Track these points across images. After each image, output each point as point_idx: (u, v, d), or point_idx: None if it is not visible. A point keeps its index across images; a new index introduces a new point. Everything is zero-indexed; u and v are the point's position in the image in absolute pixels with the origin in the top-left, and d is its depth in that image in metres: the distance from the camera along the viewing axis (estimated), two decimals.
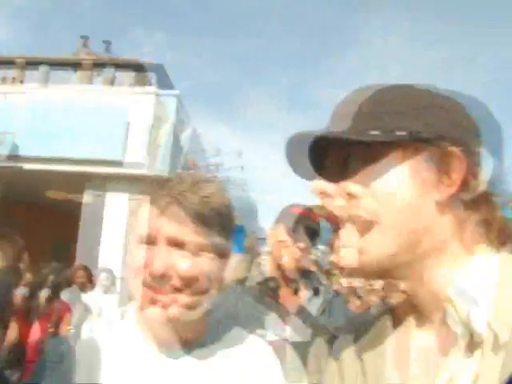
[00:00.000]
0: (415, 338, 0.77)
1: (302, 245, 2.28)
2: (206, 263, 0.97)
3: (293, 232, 2.29)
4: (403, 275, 0.77)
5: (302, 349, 2.12)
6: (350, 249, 0.75)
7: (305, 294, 2.38)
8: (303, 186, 0.82)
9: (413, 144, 0.73)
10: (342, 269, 0.77)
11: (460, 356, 0.68)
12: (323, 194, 0.77)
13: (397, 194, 0.73)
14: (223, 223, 1.01)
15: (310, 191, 0.79)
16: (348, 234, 0.76)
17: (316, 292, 2.39)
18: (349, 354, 0.85)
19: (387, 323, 0.82)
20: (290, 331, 2.20)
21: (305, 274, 2.43)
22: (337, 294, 2.55)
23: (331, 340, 2.01)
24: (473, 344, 0.67)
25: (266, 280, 2.32)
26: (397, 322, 0.82)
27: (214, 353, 1.04)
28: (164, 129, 10.98)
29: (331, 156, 0.80)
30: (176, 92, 11.99)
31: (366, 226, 0.74)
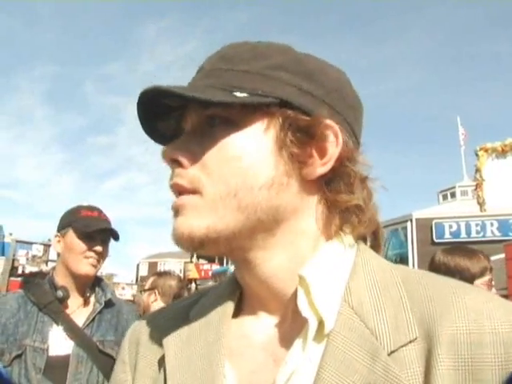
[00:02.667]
0: (259, 324, 0.70)
1: (99, 249, 2.18)
2: None
3: (88, 237, 2.18)
4: (251, 258, 0.68)
5: (86, 364, 1.99)
6: (181, 218, 0.67)
7: (95, 305, 2.19)
8: None
9: (282, 112, 0.66)
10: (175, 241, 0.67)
11: (304, 347, 0.62)
12: (174, 162, 0.68)
13: (254, 168, 0.65)
14: None
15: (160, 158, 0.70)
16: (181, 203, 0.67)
17: (108, 304, 2.23)
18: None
19: (228, 304, 0.73)
20: (74, 346, 2.02)
21: (95, 283, 2.28)
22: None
23: None
24: (320, 334, 0.62)
25: (53, 289, 2.14)
26: (242, 305, 0.74)
27: None
28: None
29: (191, 119, 0.70)
30: None
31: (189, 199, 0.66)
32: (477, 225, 17.56)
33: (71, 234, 2.20)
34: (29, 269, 28.93)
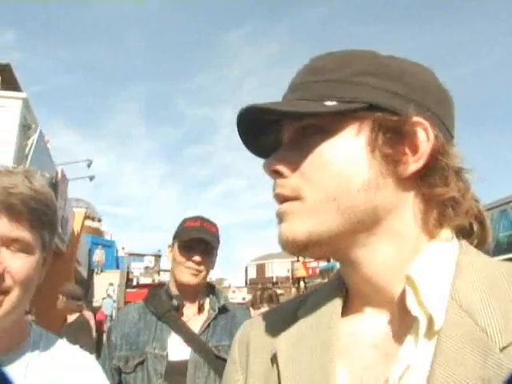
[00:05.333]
0: (367, 322, 0.71)
1: (197, 259, 2.23)
2: (37, 262, 1.01)
3: (187, 247, 2.24)
4: (355, 257, 0.70)
5: (203, 369, 2.07)
6: (285, 224, 0.71)
7: (209, 312, 2.27)
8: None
9: (371, 115, 0.68)
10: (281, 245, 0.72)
11: (416, 344, 0.63)
12: (275, 173, 0.72)
13: (350, 171, 0.67)
14: (53, 220, 1.08)
15: (262, 171, 0.74)
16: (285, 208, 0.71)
17: (222, 310, 2.29)
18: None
19: (336, 303, 0.74)
20: (192, 352, 2.10)
21: (209, 290, 2.37)
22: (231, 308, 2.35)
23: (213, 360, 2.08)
24: (430, 331, 0.63)
25: (169, 298, 2.25)
26: (349, 303, 0.75)
27: (31, 360, 1.03)
28: (7, 133, 10.02)
29: (287, 131, 0.74)
30: (22, 95, 10.90)
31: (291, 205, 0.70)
32: None
33: (176, 245, 2.30)
34: (143, 280, 30.26)
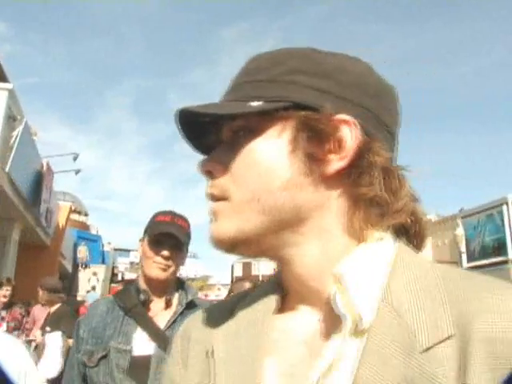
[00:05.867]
0: (300, 320, 0.71)
1: (166, 254, 2.20)
2: None
3: (156, 241, 2.22)
4: (285, 256, 0.71)
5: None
6: (215, 223, 0.72)
7: (177, 307, 2.25)
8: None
9: (295, 114, 0.68)
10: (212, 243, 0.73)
11: (342, 343, 0.63)
12: (208, 173, 0.73)
13: (271, 171, 0.68)
14: None
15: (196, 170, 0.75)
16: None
17: (190, 305, 2.25)
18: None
19: (272, 301, 0.75)
20: (156, 347, 2.08)
21: (178, 286, 2.35)
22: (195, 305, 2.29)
23: None
24: (358, 330, 0.63)
25: (138, 293, 2.23)
26: (285, 301, 0.76)
27: None
28: None
29: (224, 132, 0.74)
30: (8, 86, 10.86)
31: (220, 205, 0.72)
32: None
33: (146, 240, 2.28)
34: (128, 275, 30.23)
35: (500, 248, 20.26)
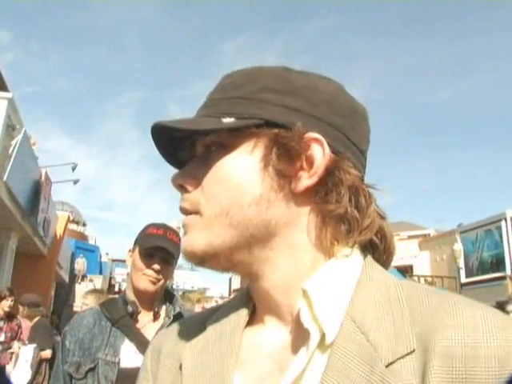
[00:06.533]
0: (268, 334, 0.73)
1: (157, 267, 2.20)
2: None
3: (147, 254, 2.22)
4: (254, 271, 0.72)
5: None
6: (186, 236, 0.73)
7: (164, 319, 2.25)
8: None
9: (266, 131, 0.69)
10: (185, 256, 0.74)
11: (307, 357, 0.63)
12: (180, 187, 0.74)
13: (242, 186, 0.69)
14: None
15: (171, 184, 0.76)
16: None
17: (178, 317, 2.22)
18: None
19: (242, 315, 0.77)
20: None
21: (166, 298, 2.35)
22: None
23: None
24: (323, 345, 0.64)
25: (125, 304, 2.22)
26: (254, 315, 0.77)
27: None
28: None
29: (198, 147, 0.75)
30: (8, 95, 10.90)
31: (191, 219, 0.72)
32: None
33: (136, 251, 2.27)
34: (125, 286, 30.04)
35: (498, 264, 20.24)
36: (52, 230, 17.16)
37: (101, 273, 27.38)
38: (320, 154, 0.67)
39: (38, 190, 13.32)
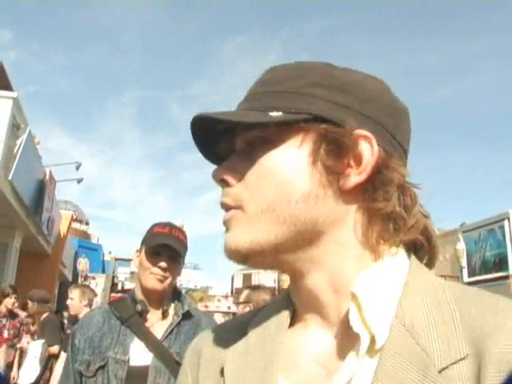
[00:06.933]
0: (313, 336, 0.71)
1: (163, 265, 2.22)
2: None
3: (153, 253, 2.24)
4: (299, 270, 0.70)
5: (164, 375, 2.09)
6: (229, 233, 0.71)
7: (173, 318, 2.27)
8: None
9: (315, 126, 0.67)
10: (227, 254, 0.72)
11: (357, 362, 0.62)
12: (222, 181, 0.72)
13: (290, 182, 0.67)
14: None
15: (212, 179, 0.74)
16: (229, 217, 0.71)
17: (186, 315, 2.28)
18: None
19: (284, 318, 0.75)
20: (153, 358, 2.11)
21: (175, 296, 2.36)
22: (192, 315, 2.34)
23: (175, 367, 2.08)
24: (372, 349, 0.62)
25: (134, 303, 2.24)
26: (297, 317, 0.75)
27: None
28: None
29: (239, 141, 0.74)
30: (13, 94, 10.91)
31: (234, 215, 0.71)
32: None
33: (143, 251, 2.29)
34: (128, 285, 30.12)
35: (501, 263, 20.20)
36: (56, 229, 17.21)
37: (103, 271, 27.42)
38: (369, 151, 0.66)
39: (42, 189, 13.35)
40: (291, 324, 0.75)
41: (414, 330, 0.61)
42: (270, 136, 0.69)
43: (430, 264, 0.73)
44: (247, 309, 3.64)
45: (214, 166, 0.76)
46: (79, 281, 23.03)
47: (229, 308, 33.48)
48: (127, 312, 2.23)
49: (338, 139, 0.67)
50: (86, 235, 28.88)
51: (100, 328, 2.19)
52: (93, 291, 6.26)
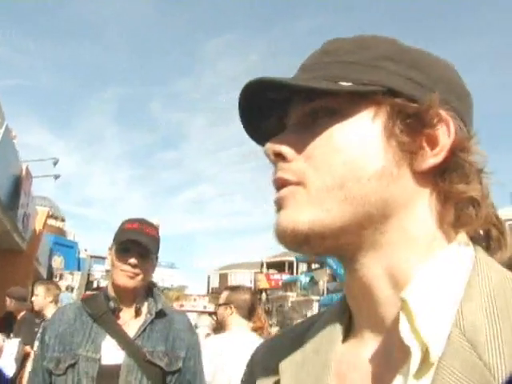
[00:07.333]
0: (366, 348, 0.65)
1: (133, 261, 2.19)
2: None
3: (123, 249, 2.21)
4: (358, 259, 0.64)
5: (136, 374, 2.07)
6: (285, 211, 0.64)
7: (146, 316, 2.24)
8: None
9: (390, 100, 0.63)
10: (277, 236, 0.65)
11: (408, 376, 0.55)
12: (278, 156, 0.66)
13: (361, 157, 0.62)
14: None
15: (264, 154, 0.67)
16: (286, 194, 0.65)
17: (160, 314, 2.26)
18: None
19: (336, 330, 0.70)
20: (125, 356, 2.10)
21: (148, 294, 2.34)
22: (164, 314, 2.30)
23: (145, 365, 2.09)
24: (426, 362, 0.55)
25: (107, 300, 2.22)
26: (352, 326, 0.70)
27: None
28: None
29: (295, 112, 0.68)
30: None
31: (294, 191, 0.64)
32: None
33: (114, 248, 2.28)
34: (103, 283, 29.86)
35: None
36: (31, 225, 17.01)
37: (79, 269, 27.13)
38: (446, 131, 0.63)
39: (18, 185, 13.19)
40: (348, 333, 0.70)
41: (476, 342, 0.54)
42: (337, 107, 0.65)
43: (502, 259, 0.66)
44: (228, 310, 3.63)
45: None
46: (54, 279, 22.82)
47: (205, 307, 33.39)
48: (100, 309, 2.20)
49: (415, 116, 0.63)
50: (61, 232, 28.55)
51: (71, 324, 2.17)
52: (58, 287, 6.31)
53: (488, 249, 0.66)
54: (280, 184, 0.66)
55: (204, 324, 10.04)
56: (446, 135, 0.62)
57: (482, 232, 0.67)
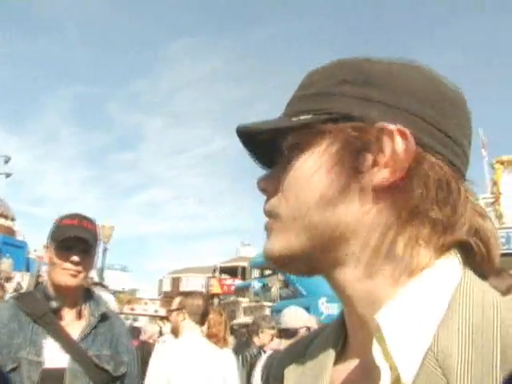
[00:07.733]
0: (353, 363, 0.67)
1: (76, 259, 2.09)
2: None
3: (64, 247, 2.10)
4: (335, 279, 0.67)
5: (82, 379, 1.99)
6: (267, 240, 0.71)
7: (90, 319, 2.16)
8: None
9: (338, 126, 0.64)
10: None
11: None
12: (263, 191, 0.73)
13: (316, 187, 0.65)
14: None
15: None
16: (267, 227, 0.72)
17: (103, 317, 2.18)
18: None
19: (331, 346, 0.72)
20: (70, 360, 2.00)
21: (87, 296, 2.25)
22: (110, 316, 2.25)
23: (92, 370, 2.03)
24: None
25: (47, 299, 2.10)
26: (347, 341, 0.72)
27: None
28: None
29: (281, 149, 0.73)
30: None
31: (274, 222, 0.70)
32: (502, 237, 16.75)
33: (52, 246, 2.15)
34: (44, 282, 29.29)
35: None
36: None
37: (28, 270, 26.66)
38: (402, 146, 0.61)
39: None
40: (343, 348, 0.72)
41: (448, 367, 0.54)
42: (298, 141, 0.69)
43: (486, 273, 0.65)
44: (181, 315, 3.69)
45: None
46: (3, 281, 22.31)
47: (156, 311, 33.14)
48: (40, 309, 2.08)
49: (363, 137, 0.63)
50: (11, 232, 28.00)
51: (5, 324, 2.01)
52: (2, 289, 6.19)
53: (473, 261, 0.65)
54: (266, 215, 0.72)
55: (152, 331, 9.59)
56: (400, 150, 0.61)
57: (466, 242, 0.64)
